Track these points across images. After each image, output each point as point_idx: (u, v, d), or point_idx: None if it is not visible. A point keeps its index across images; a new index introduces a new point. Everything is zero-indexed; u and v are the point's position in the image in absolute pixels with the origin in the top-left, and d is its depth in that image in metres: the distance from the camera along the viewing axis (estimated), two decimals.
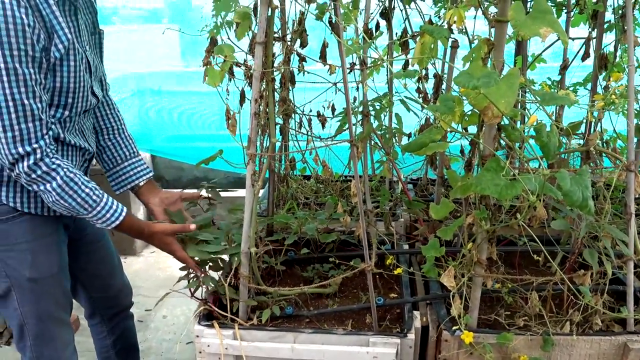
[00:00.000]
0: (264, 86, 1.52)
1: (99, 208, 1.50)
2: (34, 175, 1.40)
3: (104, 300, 1.95)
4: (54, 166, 1.42)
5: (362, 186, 1.71)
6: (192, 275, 1.71)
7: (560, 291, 1.54)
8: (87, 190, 1.47)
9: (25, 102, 1.34)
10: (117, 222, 1.53)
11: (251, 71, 1.44)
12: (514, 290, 1.62)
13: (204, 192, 1.89)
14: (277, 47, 1.77)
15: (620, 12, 1.87)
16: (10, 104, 1.32)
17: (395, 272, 1.67)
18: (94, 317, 1.99)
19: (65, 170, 1.44)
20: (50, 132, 1.44)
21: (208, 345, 1.54)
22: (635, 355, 1.41)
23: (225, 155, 1.87)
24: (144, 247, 4.00)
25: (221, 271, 1.73)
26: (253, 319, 1.58)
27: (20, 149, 1.36)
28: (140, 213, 3.77)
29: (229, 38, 1.69)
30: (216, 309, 1.59)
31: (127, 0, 4.29)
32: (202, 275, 1.66)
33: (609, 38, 2.01)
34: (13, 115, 1.34)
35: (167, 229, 1.63)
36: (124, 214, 1.55)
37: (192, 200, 1.86)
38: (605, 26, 1.90)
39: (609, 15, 1.95)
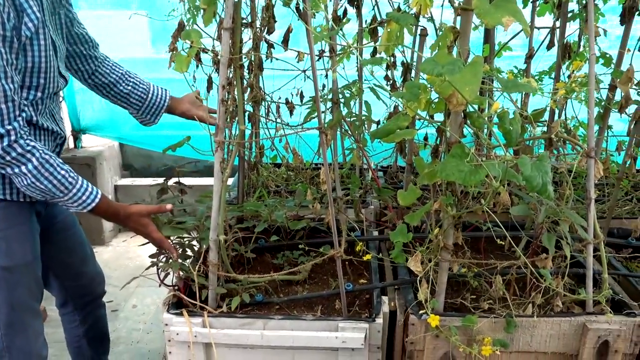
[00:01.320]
0: (232, 73, 1.51)
1: (74, 190, 1.49)
2: (8, 158, 1.38)
3: (77, 289, 1.94)
4: (28, 147, 1.40)
5: (332, 174, 1.72)
6: (161, 262, 1.70)
7: (523, 275, 1.58)
8: (62, 172, 1.46)
9: None
10: (93, 204, 1.53)
11: (218, 57, 1.42)
12: (479, 274, 1.65)
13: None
14: (245, 34, 1.76)
15: (583, 2, 1.91)
16: None
17: (365, 259, 1.69)
18: (66, 306, 1.98)
19: (40, 151, 1.43)
20: (24, 114, 1.42)
21: (177, 334, 1.54)
22: (594, 335, 1.46)
23: (195, 142, 1.86)
24: (113, 237, 3.95)
25: (190, 259, 1.73)
26: (223, 307, 1.58)
27: None
28: None
29: (196, 24, 1.67)
30: (185, 297, 1.58)
31: None
32: (176, 257, 1.65)
33: (575, 27, 2.05)
34: None
35: (143, 210, 1.63)
36: (99, 196, 1.55)
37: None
38: (569, 16, 1.94)
39: (573, 5, 1.99)
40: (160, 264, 1.71)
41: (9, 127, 1.36)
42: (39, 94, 1.49)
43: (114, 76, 1.84)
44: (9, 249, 1.55)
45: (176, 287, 1.64)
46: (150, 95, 1.89)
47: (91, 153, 3.85)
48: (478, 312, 1.54)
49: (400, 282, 1.69)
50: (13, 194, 1.53)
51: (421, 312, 1.49)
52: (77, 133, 3.99)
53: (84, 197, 1.51)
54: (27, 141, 1.41)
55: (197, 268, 1.59)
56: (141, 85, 1.89)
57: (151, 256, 1.73)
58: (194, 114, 1.90)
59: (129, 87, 1.86)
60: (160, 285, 1.68)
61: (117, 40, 4.13)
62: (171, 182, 1.91)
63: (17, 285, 1.59)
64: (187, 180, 2.01)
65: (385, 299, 1.62)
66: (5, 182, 1.51)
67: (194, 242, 1.76)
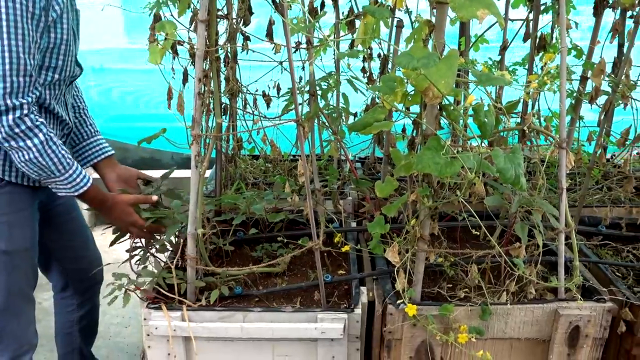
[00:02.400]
0: (208, 65, 1.50)
1: (70, 171, 1.52)
2: (17, 130, 1.41)
3: (77, 272, 1.97)
4: (37, 122, 1.44)
5: (310, 166, 1.72)
6: (138, 254, 1.71)
7: (498, 263, 1.61)
8: (63, 152, 1.51)
9: (22, 55, 1.38)
10: (85, 188, 1.56)
11: (194, 50, 1.41)
12: (455, 263, 1.68)
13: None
14: (221, 25, 1.75)
15: None
16: (6, 54, 1.36)
17: (343, 250, 1.70)
18: (65, 290, 2.00)
19: (47, 128, 1.47)
20: (37, 92, 1.47)
21: (156, 328, 1.53)
22: (565, 321, 1.51)
23: (172, 135, 1.85)
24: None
25: (168, 252, 1.72)
26: (202, 300, 1.58)
27: (8, 101, 1.38)
28: None
29: (172, 15, 1.65)
30: (164, 291, 1.57)
31: None
32: (162, 235, 1.69)
33: (548, 19, 2.09)
34: (7, 67, 1.36)
35: (130, 199, 1.69)
36: (91, 180, 1.59)
37: (147, 180, 1.90)
38: (542, 8, 1.97)
39: None
40: (138, 257, 1.71)
41: (23, 100, 1.40)
42: (56, 76, 1.55)
43: (72, 102, 1.82)
44: (11, 234, 1.58)
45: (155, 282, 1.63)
46: (90, 141, 1.85)
47: None
48: (454, 300, 1.57)
49: (378, 273, 1.71)
50: (18, 177, 1.57)
51: (399, 301, 1.51)
52: None
53: (77, 180, 1.54)
54: (37, 116, 1.45)
55: (175, 262, 1.59)
56: (89, 127, 1.87)
57: (128, 250, 1.71)
58: (113, 190, 1.80)
59: (76, 121, 1.84)
60: (138, 277, 1.67)
61: (90, 30, 4.05)
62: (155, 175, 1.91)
63: (15, 270, 1.62)
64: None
65: (363, 289, 1.64)
66: (12, 165, 1.54)
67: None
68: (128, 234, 1.75)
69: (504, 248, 1.52)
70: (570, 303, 1.53)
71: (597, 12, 1.83)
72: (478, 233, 1.64)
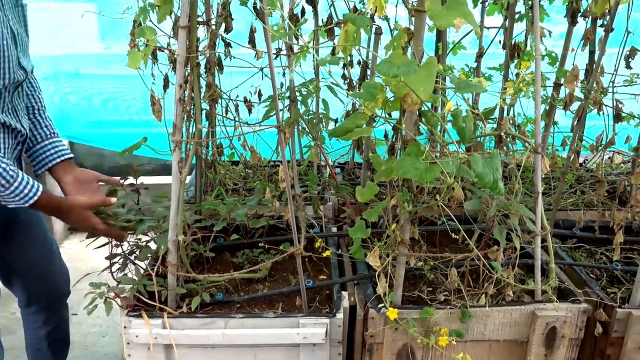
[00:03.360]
0: (189, 71, 1.50)
1: (16, 184, 1.44)
2: None
3: (41, 288, 1.90)
4: None
5: (291, 171, 1.73)
6: (117, 259, 1.68)
7: (477, 266, 1.64)
8: (3, 165, 1.41)
9: None
10: (35, 198, 1.48)
11: (175, 56, 1.41)
12: (435, 267, 1.71)
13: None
14: (202, 31, 1.75)
15: (529, 2, 1.99)
16: None
17: (324, 255, 1.71)
18: (30, 306, 1.93)
19: None
20: None
21: (136, 336, 1.52)
22: (542, 322, 1.54)
23: (150, 141, 1.83)
24: (64, 238, 3.84)
25: (148, 260, 1.71)
26: (183, 307, 1.57)
27: None
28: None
29: (150, 20, 1.64)
30: (144, 298, 1.56)
31: None
32: (126, 238, 1.63)
33: (522, 26, 2.14)
34: None
35: (86, 203, 1.58)
36: (40, 189, 1.50)
37: (111, 185, 1.79)
38: (517, 17, 2.02)
39: (520, 6, 2.08)
40: (117, 265, 1.68)
41: None
42: None
43: (28, 101, 1.71)
44: None
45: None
46: (45, 143, 1.73)
47: None
48: (435, 304, 1.59)
49: (359, 277, 1.72)
50: None
51: (380, 305, 1.53)
52: None
53: (25, 191, 1.46)
54: None
55: (155, 269, 1.57)
56: (45, 129, 1.75)
57: (107, 257, 1.69)
58: (68, 193, 1.71)
59: (30, 122, 1.72)
60: (118, 285, 1.65)
61: (65, 34, 3.99)
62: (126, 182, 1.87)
63: None
64: (142, 180, 1.98)
65: (345, 294, 1.65)
66: None
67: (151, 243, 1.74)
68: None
69: (483, 251, 1.55)
70: (547, 305, 1.57)
71: (571, 20, 1.88)
72: (457, 237, 1.66)
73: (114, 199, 1.64)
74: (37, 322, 1.95)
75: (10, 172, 1.43)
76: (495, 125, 2.16)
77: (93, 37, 4.09)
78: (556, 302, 1.55)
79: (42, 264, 1.87)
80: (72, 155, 1.79)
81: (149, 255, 1.70)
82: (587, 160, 2.65)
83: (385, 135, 2.42)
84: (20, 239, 1.77)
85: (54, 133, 1.77)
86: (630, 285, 1.70)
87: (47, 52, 3.97)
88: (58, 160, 1.73)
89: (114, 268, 1.71)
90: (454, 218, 1.50)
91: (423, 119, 1.38)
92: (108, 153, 4.15)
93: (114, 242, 1.70)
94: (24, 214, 1.75)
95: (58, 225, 3.71)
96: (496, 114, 2.05)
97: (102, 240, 1.72)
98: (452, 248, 1.96)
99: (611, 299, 1.63)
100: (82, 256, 3.54)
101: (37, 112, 1.74)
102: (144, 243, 1.74)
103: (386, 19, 1.68)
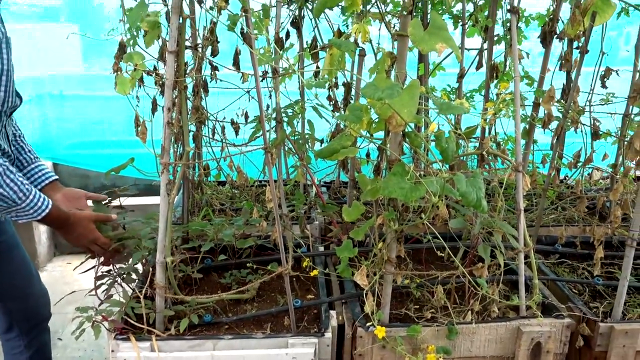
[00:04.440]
0: (176, 94, 1.52)
1: (31, 196, 1.49)
2: None
3: (22, 312, 1.89)
4: None
5: (278, 191, 1.75)
6: (104, 282, 1.68)
7: (462, 283, 1.67)
8: (20, 178, 1.48)
9: None
10: (47, 210, 1.53)
11: (163, 80, 1.43)
12: (422, 285, 1.73)
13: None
14: (188, 54, 1.77)
15: (507, 25, 2.05)
16: None
17: (312, 274, 1.72)
18: (10, 331, 1.92)
19: (2, 159, 1.44)
20: None
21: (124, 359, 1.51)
22: (527, 337, 1.56)
23: (136, 161, 1.84)
24: (48, 261, 3.79)
25: (135, 282, 1.70)
26: (171, 329, 1.56)
27: None
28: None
29: (137, 44, 1.66)
30: (132, 321, 1.55)
31: None
32: (121, 254, 1.68)
33: (501, 47, 2.20)
34: None
35: (92, 216, 1.67)
36: (51, 202, 1.55)
37: (96, 201, 1.85)
38: (496, 39, 2.08)
39: (499, 28, 2.14)
40: (103, 282, 1.68)
41: None
42: None
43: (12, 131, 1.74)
44: None
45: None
46: (30, 167, 1.77)
47: None
48: (422, 321, 1.61)
49: (347, 296, 1.74)
50: None
51: (368, 324, 1.54)
52: None
53: (39, 204, 1.51)
54: None
55: (143, 292, 1.57)
56: (28, 154, 1.78)
57: (97, 278, 1.69)
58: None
59: (14, 148, 1.74)
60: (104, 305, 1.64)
61: (47, 55, 3.98)
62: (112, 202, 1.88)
63: None
64: (127, 201, 1.98)
65: (333, 313, 1.66)
66: None
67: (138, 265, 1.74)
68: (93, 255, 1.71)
69: (468, 268, 1.57)
70: (532, 320, 1.60)
71: (546, 43, 1.94)
72: (443, 254, 1.69)
73: (114, 216, 1.72)
74: (18, 347, 1.93)
75: (27, 186, 1.49)
76: (477, 144, 2.20)
77: (76, 58, 4.08)
78: (540, 317, 1.58)
79: (22, 286, 1.86)
80: (57, 176, 1.83)
81: (133, 277, 1.70)
82: (567, 177, 2.71)
83: (367, 155, 2.46)
84: (0, 262, 1.77)
85: (37, 157, 1.82)
86: (611, 299, 1.74)
87: (29, 73, 3.95)
88: (46, 182, 1.77)
89: (101, 290, 1.70)
90: (439, 236, 1.53)
91: (407, 140, 1.41)
92: (93, 174, 4.12)
93: (102, 268, 1.70)
94: (3, 235, 1.76)
95: (41, 247, 3.67)
96: (478, 132, 2.09)
97: (89, 264, 1.72)
98: (438, 265, 1.99)
99: (594, 313, 1.67)
100: (67, 279, 3.50)
101: (19, 139, 1.78)
102: (131, 265, 1.74)
103: (369, 41, 1.72)
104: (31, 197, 1.50)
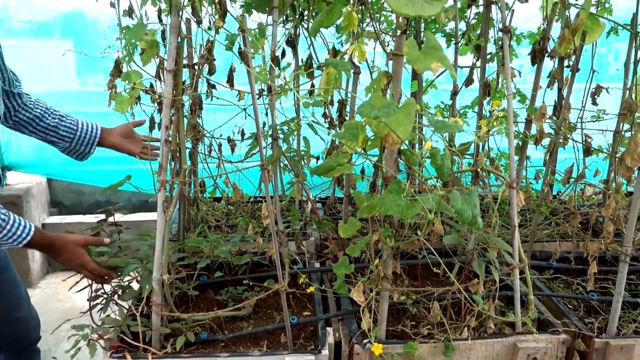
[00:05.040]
0: (174, 112, 1.53)
1: (8, 227, 1.46)
2: None
3: (11, 335, 1.86)
4: None
5: (274, 208, 1.75)
6: (99, 300, 1.67)
7: (458, 299, 1.67)
8: None
9: None
10: (29, 238, 1.50)
11: (160, 98, 1.44)
12: (418, 301, 1.73)
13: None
14: (185, 72, 1.79)
15: (500, 43, 2.09)
16: None
17: (308, 291, 1.72)
18: None
19: None
20: None
21: None
22: (524, 353, 1.57)
23: (132, 177, 1.84)
24: (41, 278, 3.75)
25: (131, 300, 1.70)
26: (167, 347, 1.56)
27: None
28: None
29: (134, 62, 1.68)
30: (128, 339, 1.54)
31: (14, 12, 3.99)
32: (116, 279, 1.64)
33: (494, 64, 2.23)
34: None
35: (80, 240, 1.62)
36: (33, 228, 1.52)
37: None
38: (488, 57, 2.11)
39: (491, 47, 2.17)
40: (98, 301, 1.67)
41: None
42: None
43: (38, 110, 1.79)
44: None
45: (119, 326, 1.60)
46: (80, 127, 1.84)
47: (17, 191, 3.67)
48: (418, 338, 1.61)
49: (343, 313, 1.74)
50: None
51: (365, 341, 1.54)
52: (1, 170, 3.80)
53: (18, 232, 1.48)
54: None
55: (139, 310, 1.56)
56: (68, 118, 1.84)
57: (90, 299, 1.68)
58: (125, 147, 1.87)
59: (56, 120, 1.81)
60: (100, 327, 1.63)
61: (41, 72, 3.98)
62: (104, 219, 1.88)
63: None
64: (121, 217, 1.98)
65: (329, 330, 1.66)
66: None
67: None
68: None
69: (463, 285, 1.58)
70: (528, 336, 1.60)
71: (536, 61, 1.98)
72: (438, 271, 1.69)
73: (107, 239, 1.67)
74: None
75: (2, 216, 1.45)
76: (471, 160, 2.22)
77: (70, 74, 4.09)
78: (536, 333, 1.58)
79: (11, 309, 1.83)
80: (99, 125, 1.90)
81: (133, 296, 1.69)
82: (560, 192, 2.74)
83: (362, 171, 2.48)
84: None
85: (76, 119, 1.86)
86: (606, 315, 1.75)
87: (25, 90, 3.96)
88: (97, 136, 1.85)
89: (97, 309, 1.69)
90: (435, 252, 1.54)
91: (403, 157, 1.43)
92: (88, 190, 4.11)
93: (94, 286, 1.69)
94: None
95: (34, 264, 3.64)
96: (472, 148, 2.11)
97: (84, 283, 1.71)
98: (434, 281, 2.00)
99: (589, 329, 1.67)
100: (60, 296, 3.47)
101: (53, 111, 1.83)
102: (127, 283, 1.73)
103: (365, 59, 1.75)
104: (8, 227, 1.46)
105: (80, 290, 1.72)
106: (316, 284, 1.83)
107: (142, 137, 1.93)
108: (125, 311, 1.65)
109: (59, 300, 3.42)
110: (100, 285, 1.70)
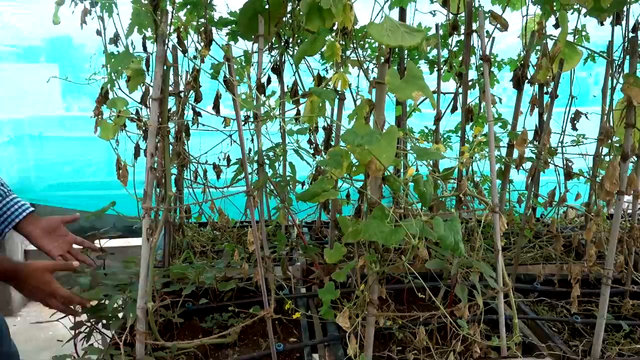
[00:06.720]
0: (159, 139, 1.54)
1: None
2: None
3: None
4: None
5: (259, 233, 1.75)
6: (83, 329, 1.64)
7: (444, 323, 1.68)
8: None
9: None
10: None
11: (146, 126, 1.45)
12: (404, 326, 1.73)
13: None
14: (171, 100, 1.80)
15: (481, 69, 2.14)
16: None
17: (294, 317, 1.72)
18: None
19: None
20: None
21: None
22: None
23: (116, 202, 1.84)
24: (22, 306, 3.69)
25: (115, 328, 1.67)
26: None
27: None
28: None
29: (119, 88, 1.69)
30: None
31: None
32: (87, 306, 1.59)
33: (476, 91, 2.28)
34: None
35: (49, 266, 1.54)
36: None
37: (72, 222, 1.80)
38: (470, 84, 2.16)
39: (473, 73, 2.22)
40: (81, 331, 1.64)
41: None
42: None
43: None
44: None
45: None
46: (4, 203, 1.71)
47: None
48: None
49: (329, 339, 1.73)
50: None
51: None
52: None
53: None
54: None
55: (123, 338, 1.54)
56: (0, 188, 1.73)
57: (72, 328, 1.65)
58: (39, 243, 1.72)
59: None
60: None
61: (26, 96, 3.98)
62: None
63: None
64: (106, 243, 1.96)
65: (316, 356, 1.65)
66: None
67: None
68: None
69: (449, 309, 1.59)
70: None
71: (518, 86, 2.03)
72: (424, 296, 1.70)
73: (76, 263, 1.62)
74: None
75: None
76: (455, 184, 2.25)
77: (55, 99, 4.09)
78: (521, 357, 1.59)
79: None
80: (33, 209, 1.79)
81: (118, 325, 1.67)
82: (543, 215, 2.77)
83: (348, 195, 2.49)
84: None
85: (10, 190, 1.75)
86: (590, 337, 1.76)
87: (8, 114, 3.95)
88: (23, 215, 1.71)
89: (80, 337, 1.67)
90: (419, 277, 1.55)
91: (386, 183, 1.44)
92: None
93: (74, 318, 1.65)
94: None
95: (15, 292, 3.57)
96: (455, 173, 2.14)
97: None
98: (420, 305, 2.00)
99: (573, 352, 1.68)
100: (42, 325, 3.40)
101: None
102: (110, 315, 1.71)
103: (349, 86, 1.78)
104: None
105: (62, 318, 1.70)
106: (302, 310, 1.83)
107: (73, 238, 1.78)
108: (109, 340, 1.62)
109: (41, 328, 3.35)
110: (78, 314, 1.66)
